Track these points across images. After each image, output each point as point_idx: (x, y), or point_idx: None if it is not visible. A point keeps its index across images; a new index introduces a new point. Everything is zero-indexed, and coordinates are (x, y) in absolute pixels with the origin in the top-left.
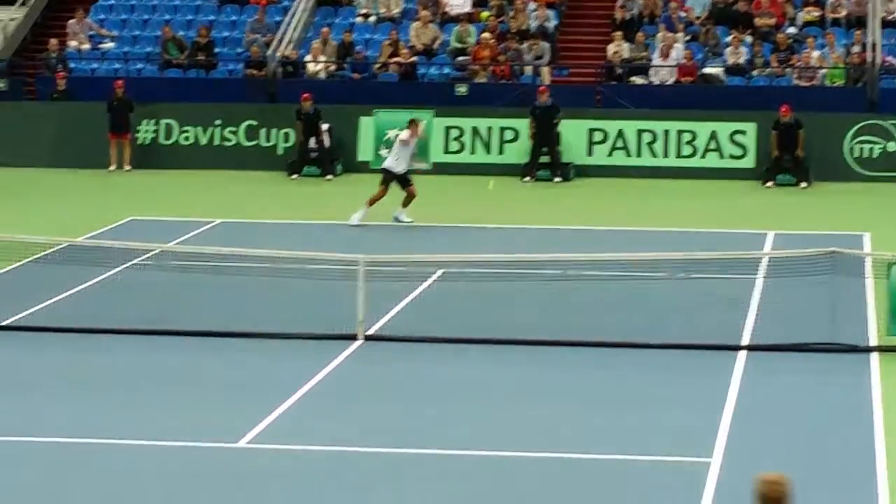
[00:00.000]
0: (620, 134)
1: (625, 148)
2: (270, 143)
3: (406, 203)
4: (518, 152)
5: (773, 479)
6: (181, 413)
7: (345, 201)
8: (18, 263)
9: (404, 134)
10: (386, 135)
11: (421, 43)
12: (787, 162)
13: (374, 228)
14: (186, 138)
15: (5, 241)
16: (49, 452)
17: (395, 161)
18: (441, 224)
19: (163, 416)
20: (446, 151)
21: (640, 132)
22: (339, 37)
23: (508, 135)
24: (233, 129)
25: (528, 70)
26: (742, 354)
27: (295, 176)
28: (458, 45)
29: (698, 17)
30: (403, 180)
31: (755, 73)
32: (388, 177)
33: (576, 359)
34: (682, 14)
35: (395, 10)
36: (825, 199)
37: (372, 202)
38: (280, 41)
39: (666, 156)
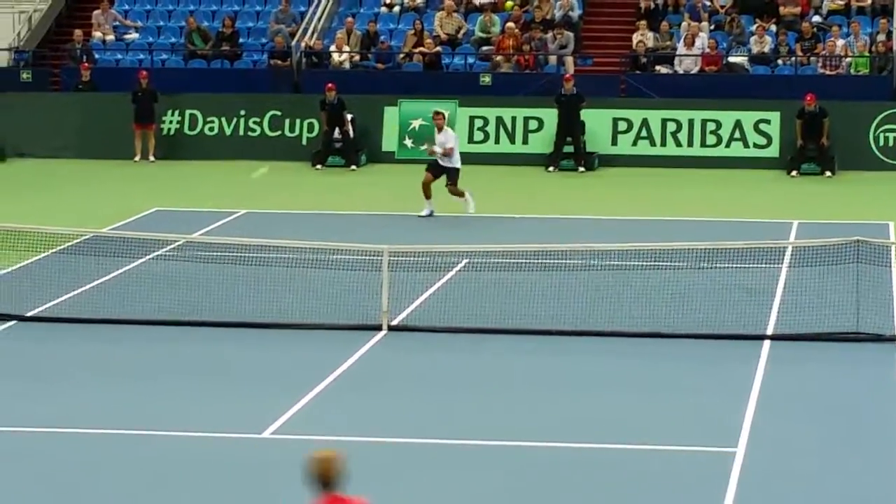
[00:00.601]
0: (645, 123)
1: (649, 137)
2: (295, 134)
3: (461, 194)
4: (542, 142)
5: (323, 456)
6: (205, 404)
7: (369, 191)
8: (44, 254)
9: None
10: (410, 124)
11: (445, 32)
12: (811, 151)
13: (399, 218)
14: (211, 129)
15: (31, 232)
16: (73, 443)
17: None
18: (465, 214)
19: (187, 406)
20: (470, 141)
21: (664, 121)
22: (364, 27)
23: (533, 124)
24: (257, 119)
25: (553, 60)
26: (767, 344)
27: (319, 166)
28: (483, 35)
29: (723, 6)
30: (450, 175)
31: (780, 61)
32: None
33: (599, 348)
34: (707, 3)
35: (420, 0)
36: (850, 188)
37: (458, 193)
38: (304, 31)
39: (690, 145)
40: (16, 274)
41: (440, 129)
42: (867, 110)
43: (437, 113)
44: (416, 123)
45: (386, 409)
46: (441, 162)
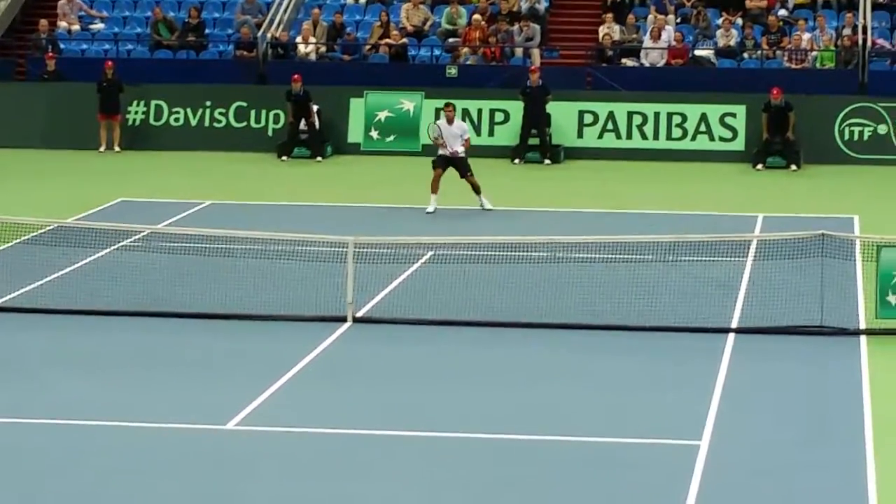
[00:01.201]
0: (611, 116)
1: (615, 130)
2: (260, 125)
3: (477, 191)
4: (508, 134)
5: None
6: (169, 395)
7: (334, 183)
8: (8, 244)
9: (442, 121)
10: (376, 116)
11: (411, 24)
12: (777, 144)
13: (364, 210)
14: (176, 119)
15: None
16: (36, 433)
17: (437, 134)
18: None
19: (151, 397)
20: None
21: (630, 114)
22: (330, 18)
23: (499, 117)
24: (223, 110)
25: (519, 52)
26: (731, 337)
27: (285, 157)
28: (449, 27)
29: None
30: (461, 168)
31: (746, 55)
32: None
33: (564, 341)
34: None
35: None
36: (815, 181)
37: (478, 186)
38: (270, 22)
39: (656, 138)
40: None
41: (451, 121)
42: (833, 104)
43: (447, 105)
44: (381, 115)
45: (351, 400)
46: (451, 153)
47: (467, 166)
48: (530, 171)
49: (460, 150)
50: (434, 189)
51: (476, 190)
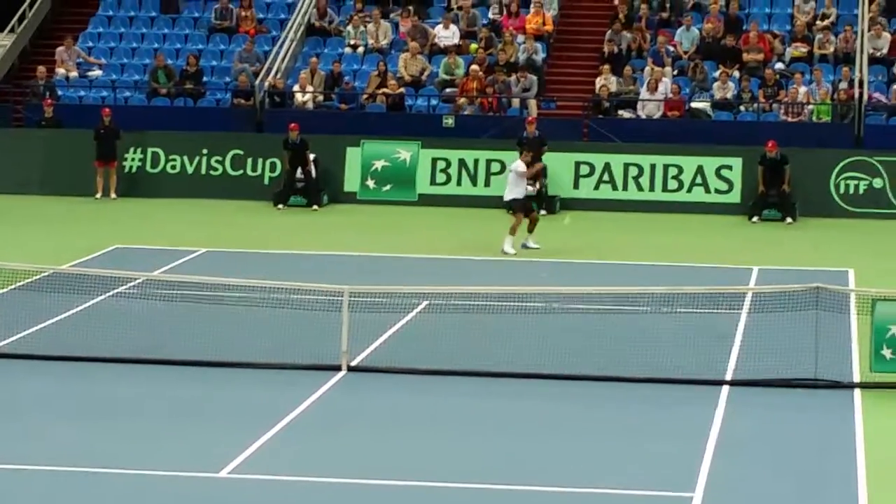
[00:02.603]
0: (607, 167)
1: (611, 181)
2: (257, 173)
3: (531, 229)
4: (504, 185)
5: None
6: (162, 442)
7: (330, 232)
8: (3, 290)
9: (520, 165)
10: (373, 165)
11: (409, 74)
12: (772, 197)
13: (360, 259)
14: (173, 167)
15: None
16: (29, 480)
17: (514, 190)
18: (426, 255)
19: (144, 445)
20: (433, 183)
21: (626, 166)
22: (328, 67)
23: (495, 167)
24: (219, 158)
25: (516, 102)
26: (725, 389)
27: (281, 206)
28: (446, 77)
29: (686, 52)
30: (525, 208)
31: (742, 108)
32: (516, 205)
33: (559, 391)
34: (671, 48)
35: (384, 41)
36: (810, 234)
37: (513, 230)
38: (268, 71)
39: (652, 190)
40: None
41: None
42: (829, 157)
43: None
44: (378, 164)
45: (344, 449)
46: (518, 198)
47: (518, 208)
48: (527, 222)
49: (517, 195)
50: (513, 231)
51: (531, 227)
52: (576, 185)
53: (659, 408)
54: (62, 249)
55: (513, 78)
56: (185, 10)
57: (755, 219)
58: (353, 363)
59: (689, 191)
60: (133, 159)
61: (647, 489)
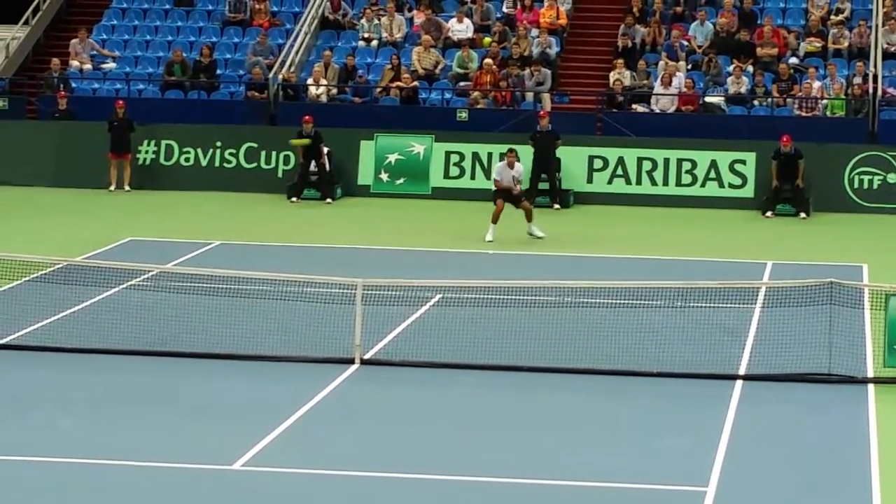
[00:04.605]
0: (620, 161)
1: (624, 175)
2: (271, 166)
3: (529, 218)
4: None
5: None
6: (176, 434)
7: (344, 225)
8: (17, 282)
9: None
10: (386, 158)
11: (422, 67)
12: (786, 192)
13: (373, 252)
14: (187, 159)
15: (4, 260)
16: (43, 472)
17: (499, 175)
18: (439, 249)
19: (157, 437)
20: (446, 176)
21: (640, 160)
22: (342, 60)
23: None
24: (233, 150)
25: (530, 96)
26: (739, 384)
27: (294, 199)
28: (460, 71)
29: (700, 46)
30: (514, 198)
31: (756, 102)
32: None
33: (572, 386)
34: (685, 43)
35: (398, 35)
36: (824, 229)
37: (494, 218)
38: (282, 64)
39: (666, 184)
40: None
41: (511, 166)
42: (843, 152)
43: (510, 151)
44: (392, 158)
45: (357, 442)
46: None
47: (521, 197)
48: (539, 216)
49: (516, 186)
50: (495, 220)
51: (528, 217)
52: (589, 180)
53: (672, 402)
54: (76, 241)
55: (526, 72)
56: (198, 2)
57: (769, 213)
58: (367, 356)
59: (702, 185)
60: (147, 152)
61: (660, 483)
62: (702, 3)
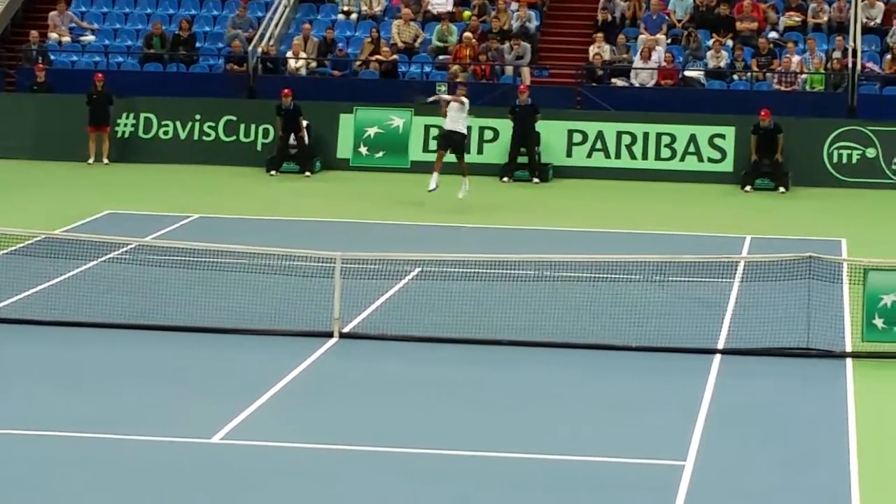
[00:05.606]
0: (600, 135)
1: (604, 149)
2: (250, 139)
3: (464, 173)
4: (497, 152)
5: None
6: (155, 408)
7: (323, 198)
8: None
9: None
10: (365, 132)
11: (402, 41)
12: (765, 166)
13: (352, 225)
14: (166, 132)
15: None
16: (21, 445)
17: (458, 123)
18: (418, 222)
19: (136, 410)
20: (425, 150)
21: (619, 134)
22: (321, 34)
23: (488, 134)
24: (212, 124)
25: (509, 70)
26: (717, 358)
27: (273, 172)
28: (440, 44)
29: (680, 20)
30: (460, 147)
31: (735, 76)
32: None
33: (550, 360)
34: (664, 16)
35: (377, 8)
36: (803, 203)
37: (466, 171)
38: (261, 37)
39: (645, 158)
40: None
41: (461, 104)
42: (822, 127)
43: (462, 85)
44: (371, 131)
45: (336, 416)
46: (451, 126)
47: (464, 148)
48: (519, 190)
49: (463, 129)
50: (437, 168)
51: (463, 172)
52: (568, 154)
53: (651, 376)
54: (54, 214)
55: (506, 46)
56: None
57: (748, 188)
58: (346, 330)
59: (681, 159)
60: (126, 125)
61: (638, 457)
62: None
